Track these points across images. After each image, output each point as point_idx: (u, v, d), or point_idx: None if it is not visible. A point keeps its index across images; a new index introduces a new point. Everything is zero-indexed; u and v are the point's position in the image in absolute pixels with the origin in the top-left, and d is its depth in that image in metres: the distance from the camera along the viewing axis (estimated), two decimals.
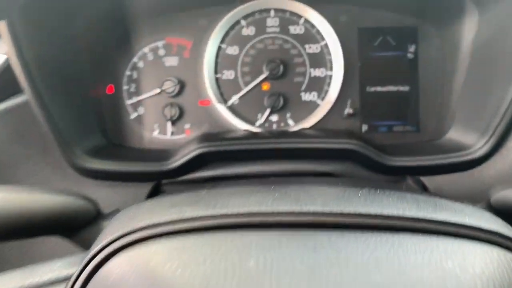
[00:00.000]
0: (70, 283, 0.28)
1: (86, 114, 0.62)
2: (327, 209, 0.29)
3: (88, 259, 0.28)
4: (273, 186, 0.35)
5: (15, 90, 0.54)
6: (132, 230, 0.28)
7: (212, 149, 0.59)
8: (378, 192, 0.34)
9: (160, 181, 0.61)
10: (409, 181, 0.61)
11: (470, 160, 0.57)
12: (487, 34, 0.59)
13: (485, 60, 0.59)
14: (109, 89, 0.69)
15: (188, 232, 0.28)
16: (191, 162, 0.59)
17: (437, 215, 0.29)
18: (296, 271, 0.24)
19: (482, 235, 0.28)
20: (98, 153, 0.60)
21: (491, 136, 0.56)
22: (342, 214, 0.28)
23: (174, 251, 0.27)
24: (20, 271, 0.33)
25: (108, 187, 0.59)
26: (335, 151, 0.60)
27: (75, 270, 0.29)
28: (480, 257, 0.27)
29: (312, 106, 0.70)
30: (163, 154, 0.63)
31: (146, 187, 0.61)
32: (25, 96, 0.53)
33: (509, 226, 0.32)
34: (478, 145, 0.57)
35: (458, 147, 0.59)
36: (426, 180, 0.60)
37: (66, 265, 0.31)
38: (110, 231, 0.29)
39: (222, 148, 0.59)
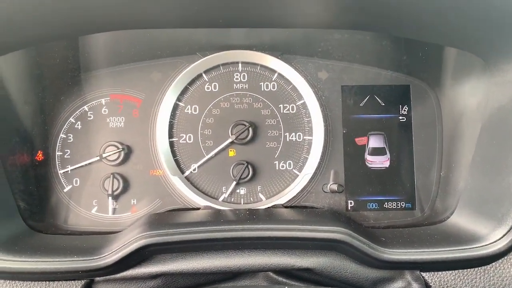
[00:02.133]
0: None
1: (11, 188, 0.49)
2: None
3: None
4: None
5: None
6: None
7: (159, 239, 0.46)
8: None
9: (93, 280, 0.47)
10: (408, 277, 0.49)
11: (486, 255, 0.45)
12: (498, 99, 0.49)
13: (498, 130, 0.49)
14: (38, 155, 0.56)
15: None
16: (131, 256, 0.46)
17: None
18: None
19: None
20: (10, 245, 0.46)
21: (511, 227, 0.45)
22: None
23: None
24: None
25: None
26: (316, 240, 0.48)
27: None
28: None
29: (287, 178, 0.60)
30: (98, 242, 0.49)
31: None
32: None
33: None
34: (495, 237, 0.46)
35: (468, 237, 0.48)
36: (429, 276, 0.48)
37: None
38: None
39: (172, 238, 0.46)
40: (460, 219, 0.53)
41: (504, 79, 0.49)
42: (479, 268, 0.48)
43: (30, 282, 0.47)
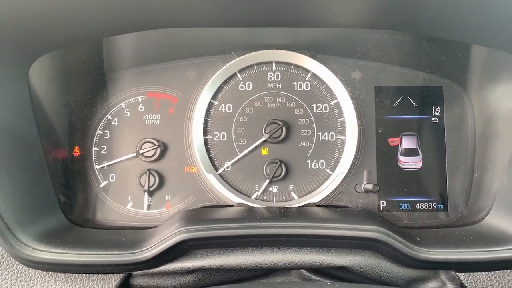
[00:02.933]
0: None
1: (41, 186, 0.50)
2: None
3: None
4: None
5: None
6: None
7: (197, 234, 0.47)
8: None
9: (131, 273, 0.48)
10: (443, 277, 0.49)
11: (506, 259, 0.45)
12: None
13: None
14: (75, 151, 0.58)
15: None
16: (169, 250, 0.47)
17: None
18: None
19: None
20: (52, 237, 0.48)
21: None
22: None
23: None
24: None
25: (63, 280, 0.46)
26: (352, 239, 0.48)
27: None
28: None
29: (320, 177, 0.60)
30: (135, 236, 0.50)
31: (113, 281, 0.47)
32: None
33: None
34: None
35: (505, 238, 0.49)
36: (464, 277, 0.48)
37: None
38: None
39: (209, 234, 0.47)
40: (495, 220, 0.53)
41: None
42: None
43: (70, 274, 0.48)
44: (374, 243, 0.49)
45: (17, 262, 0.46)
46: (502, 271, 0.50)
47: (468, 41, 0.53)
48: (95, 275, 0.49)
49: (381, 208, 0.59)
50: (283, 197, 0.60)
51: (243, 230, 0.51)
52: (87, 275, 0.48)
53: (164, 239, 0.49)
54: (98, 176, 0.59)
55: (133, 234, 0.53)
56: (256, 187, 0.60)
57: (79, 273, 0.47)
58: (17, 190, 0.47)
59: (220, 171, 0.60)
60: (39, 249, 0.48)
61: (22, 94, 0.50)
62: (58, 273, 0.48)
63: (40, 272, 0.47)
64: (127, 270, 0.49)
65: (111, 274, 0.49)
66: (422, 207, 0.60)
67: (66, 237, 0.51)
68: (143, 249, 0.49)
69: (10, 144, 0.47)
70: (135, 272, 0.49)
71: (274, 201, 0.60)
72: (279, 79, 0.62)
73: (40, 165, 0.52)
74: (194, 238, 0.49)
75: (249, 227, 0.52)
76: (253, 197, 0.60)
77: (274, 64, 0.61)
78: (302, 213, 0.57)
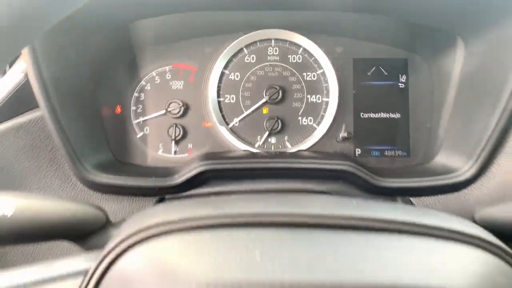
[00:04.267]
0: (87, 277, 0.31)
1: (95, 131, 0.66)
2: (324, 212, 0.31)
3: (104, 254, 0.31)
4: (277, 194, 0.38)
5: (29, 106, 0.58)
6: (146, 227, 0.31)
7: (214, 166, 0.62)
8: (371, 201, 0.38)
9: (164, 196, 0.64)
10: (399, 201, 0.64)
11: (457, 182, 0.60)
12: (472, 66, 0.63)
13: (471, 90, 0.64)
14: (117, 109, 0.73)
15: (199, 228, 0.30)
16: (193, 179, 0.62)
17: (423, 220, 0.32)
18: (295, 261, 0.27)
19: (465, 238, 0.31)
20: (105, 168, 0.63)
21: (476, 161, 0.60)
22: (337, 217, 0.31)
23: (187, 244, 0.29)
24: (36, 266, 0.35)
25: (114, 201, 0.62)
26: (329, 171, 0.63)
27: (90, 266, 0.31)
28: (462, 256, 0.30)
29: (308, 130, 0.74)
30: (166, 171, 0.66)
31: (151, 202, 0.63)
32: (40, 112, 0.57)
33: (490, 234, 0.34)
34: (464, 169, 0.61)
35: (446, 170, 0.63)
36: (415, 200, 0.63)
37: (82, 261, 0.34)
38: (124, 229, 0.32)
39: (223, 166, 0.63)
40: (442, 159, 0.68)
41: (474, 50, 0.63)
42: (453, 193, 0.63)
43: (119, 196, 0.64)
44: (344, 174, 0.64)
45: (81, 185, 0.62)
46: (443, 195, 0.65)
47: (418, 21, 0.67)
48: (137, 198, 0.65)
49: (357, 155, 0.74)
50: (279, 146, 0.75)
51: (248, 164, 0.66)
52: (131, 197, 0.64)
53: (189, 170, 0.65)
54: (135, 129, 0.74)
55: (165, 169, 0.69)
56: (258, 138, 0.74)
57: (125, 194, 0.63)
58: (83, 132, 0.63)
59: (230, 125, 0.74)
60: (98, 174, 0.64)
61: (89, 64, 0.66)
62: (110, 195, 0.63)
63: (96, 194, 0.63)
64: (161, 194, 0.65)
65: (149, 197, 0.65)
66: (389, 154, 0.74)
67: (115, 169, 0.67)
68: (175, 177, 0.64)
69: (81, 98, 0.64)
70: (167, 196, 0.65)
71: (272, 148, 0.74)
72: (277, 53, 0.75)
73: (97, 117, 0.68)
74: (211, 169, 0.64)
75: (252, 162, 0.67)
76: (256, 145, 0.74)
77: (273, 41, 0.75)
78: (293, 155, 0.71)
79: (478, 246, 0.31)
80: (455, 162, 0.63)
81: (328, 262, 0.27)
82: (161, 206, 0.38)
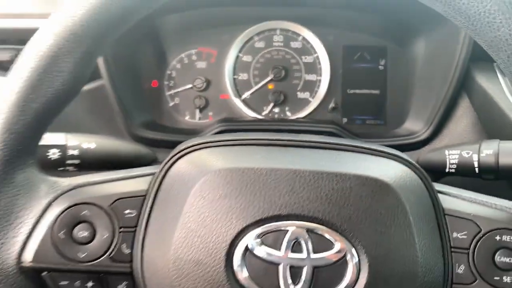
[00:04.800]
0: (155, 176, 0.43)
1: (140, 99, 0.86)
2: (306, 139, 0.47)
3: (165, 162, 0.49)
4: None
5: (94, 77, 0.77)
6: (191, 144, 0.50)
7: (230, 127, 0.81)
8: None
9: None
10: None
11: (414, 142, 0.78)
12: (432, 50, 0.81)
13: (431, 70, 0.82)
14: (154, 83, 0.93)
15: (227, 145, 0.44)
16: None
17: (364, 145, 0.50)
18: (285, 160, 0.44)
19: (389, 155, 0.45)
20: (148, 127, 0.82)
21: (430, 125, 0.78)
22: (314, 141, 0.47)
23: (217, 151, 0.47)
24: (107, 172, 0.47)
25: (154, 152, 0.81)
26: (319, 132, 0.82)
27: (155, 170, 0.50)
28: (385, 163, 0.44)
29: (305, 102, 0.91)
30: (193, 131, 0.86)
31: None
32: (101, 82, 0.77)
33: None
34: (421, 132, 0.79)
35: (408, 133, 0.81)
36: None
37: (152, 168, 0.51)
38: (176, 148, 0.51)
39: (237, 127, 0.82)
40: (408, 125, 0.85)
41: (432, 39, 0.81)
42: (413, 151, 0.81)
43: (155, 148, 0.83)
44: (331, 135, 0.82)
45: (129, 138, 0.81)
46: (407, 152, 0.82)
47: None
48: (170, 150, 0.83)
49: (343, 122, 0.91)
50: (281, 114, 0.90)
51: (256, 126, 0.84)
52: (166, 149, 0.83)
53: (211, 130, 0.84)
54: (168, 99, 0.92)
55: (192, 130, 0.88)
56: (264, 108, 0.91)
57: (162, 147, 0.82)
58: (132, 99, 0.81)
59: (243, 97, 0.90)
60: (142, 131, 0.80)
61: (134, 48, 0.86)
62: (150, 147, 0.82)
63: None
64: None
65: None
66: (369, 122, 0.91)
67: (155, 128, 0.84)
68: (200, 135, 0.83)
69: (131, 73, 0.82)
70: None
71: (276, 116, 0.91)
72: (281, 40, 0.91)
73: (141, 88, 0.87)
74: (227, 129, 0.83)
75: (259, 124, 0.86)
76: (263, 114, 0.90)
77: (278, 30, 0.91)
78: (292, 120, 0.89)
79: (396, 159, 0.49)
80: (416, 127, 0.81)
81: (307, 161, 0.46)
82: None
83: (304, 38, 0.92)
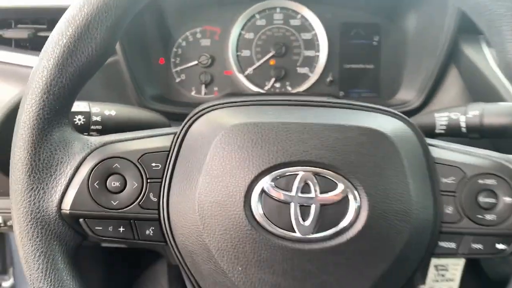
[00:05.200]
0: (177, 135, 0.48)
1: (150, 75, 0.91)
2: (312, 99, 0.54)
3: (185, 122, 0.54)
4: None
5: None
6: (213, 104, 0.51)
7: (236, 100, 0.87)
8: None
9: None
10: None
11: (408, 110, 0.84)
12: (422, 25, 0.87)
13: (422, 43, 0.88)
14: (161, 60, 0.98)
15: (239, 106, 0.50)
16: None
17: (366, 104, 0.56)
18: (292, 115, 0.50)
19: (385, 112, 0.51)
20: (157, 100, 0.88)
21: (421, 95, 0.84)
22: (319, 100, 0.53)
23: (230, 111, 0.53)
24: (132, 132, 0.51)
25: None
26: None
27: (176, 130, 0.55)
28: (384, 118, 0.49)
29: (304, 77, 0.96)
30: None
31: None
32: (116, 57, 0.82)
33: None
34: (413, 101, 0.85)
35: (401, 103, 0.87)
36: None
37: (173, 128, 0.51)
38: (197, 108, 0.56)
39: (242, 99, 0.87)
40: (400, 96, 0.91)
41: (422, 14, 0.87)
42: None
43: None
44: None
45: None
46: None
47: None
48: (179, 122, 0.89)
49: (340, 95, 0.98)
50: (282, 89, 0.95)
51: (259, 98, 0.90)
52: (175, 121, 0.89)
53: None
54: (174, 75, 0.97)
55: (198, 104, 0.93)
56: (266, 83, 0.95)
57: (171, 119, 0.88)
58: (143, 74, 0.86)
59: (245, 73, 0.95)
60: (153, 103, 0.84)
61: (143, 27, 0.91)
62: None
63: None
64: None
65: None
66: (364, 95, 0.97)
67: (164, 101, 0.89)
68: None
69: (141, 50, 0.86)
70: None
71: (277, 90, 0.97)
72: (281, 18, 0.95)
73: (150, 65, 0.93)
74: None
75: (262, 98, 0.92)
76: (265, 88, 0.95)
77: (278, 9, 0.95)
78: (292, 94, 0.94)
79: (393, 116, 0.54)
80: (408, 96, 0.88)
81: (313, 116, 0.52)
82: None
83: (303, 16, 0.97)
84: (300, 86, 0.97)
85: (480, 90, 0.77)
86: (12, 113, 0.72)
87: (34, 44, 0.84)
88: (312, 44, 0.97)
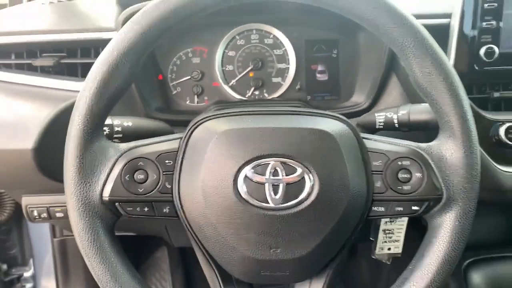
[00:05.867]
0: (183, 139, 0.62)
1: (153, 90, 1.10)
2: (283, 109, 0.66)
3: (189, 128, 0.60)
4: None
5: None
6: (208, 115, 0.62)
7: (223, 106, 1.07)
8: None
9: None
10: None
11: (359, 110, 1.01)
12: (369, 40, 1.01)
13: (369, 55, 1.01)
14: (160, 77, 1.16)
15: (228, 116, 0.63)
16: None
17: (316, 110, 0.69)
18: (267, 121, 0.65)
19: (331, 116, 0.63)
20: (160, 111, 1.07)
21: (368, 98, 1.05)
22: (287, 111, 0.65)
23: (222, 121, 0.66)
24: (149, 139, 0.65)
25: None
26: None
27: (182, 135, 0.73)
28: (329, 121, 0.63)
29: (278, 85, 1.11)
30: (195, 112, 1.11)
31: None
32: None
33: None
34: (362, 103, 1.04)
35: (355, 104, 1.07)
36: None
37: (178, 134, 0.65)
38: (196, 118, 0.71)
39: (229, 112, 1.07)
40: (354, 99, 1.10)
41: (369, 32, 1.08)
42: (358, 117, 1.01)
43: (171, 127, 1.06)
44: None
45: None
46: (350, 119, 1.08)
47: None
48: (181, 128, 1.06)
49: (307, 99, 1.16)
50: (261, 96, 1.09)
51: (242, 105, 1.10)
52: (176, 127, 1.07)
53: (208, 110, 1.08)
54: (171, 88, 1.11)
55: (194, 112, 1.12)
56: (247, 91, 1.10)
57: (175, 126, 1.04)
58: (147, 89, 1.05)
59: (230, 84, 1.09)
60: (157, 114, 0.94)
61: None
62: None
63: None
64: None
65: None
66: (327, 98, 1.16)
67: (165, 111, 1.08)
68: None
69: (145, 68, 1.06)
70: None
71: (256, 97, 1.12)
72: (257, 38, 1.09)
73: (152, 81, 1.12)
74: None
75: (244, 104, 1.12)
76: (246, 96, 1.09)
77: (254, 30, 1.09)
78: (268, 100, 1.10)
79: (335, 119, 0.68)
80: (360, 99, 1.05)
81: (280, 122, 0.64)
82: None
83: (274, 36, 1.05)
84: (275, 93, 1.17)
85: (413, 93, 0.99)
86: (48, 129, 0.89)
87: (56, 70, 1.02)
88: (283, 58, 1.07)
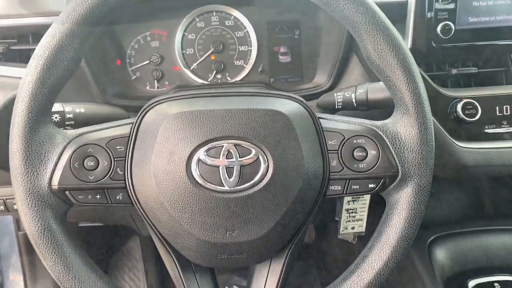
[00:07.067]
0: (134, 123, 0.62)
1: (110, 75, 1.07)
2: (236, 90, 0.67)
3: (139, 113, 0.69)
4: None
5: None
6: (159, 99, 0.64)
7: (181, 90, 1.05)
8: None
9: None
10: None
11: (321, 91, 1.05)
12: (329, 21, 1.02)
13: (330, 36, 1.05)
14: (118, 62, 1.14)
15: (181, 99, 0.63)
16: None
17: (271, 91, 0.74)
18: (219, 103, 0.67)
19: (288, 97, 0.65)
20: (118, 96, 1.05)
21: (330, 78, 1.05)
22: (240, 92, 0.67)
23: (173, 103, 0.68)
24: (99, 124, 0.64)
25: None
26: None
27: (133, 120, 0.73)
28: (287, 102, 0.65)
29: (240, 68, 1.12)
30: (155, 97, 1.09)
31: None
32: (81, 64, 0.98)
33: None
34: (324, 84, 1.06)
35: (316, 85, 1.08)
36: None
37: (131, 119, 0.69)
38: (148, 102, 0.73)
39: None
40: (316, 79, 1.11)
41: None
42: (315, 100, 1.03)
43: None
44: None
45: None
46: (312, 101, 1.08)
47: None
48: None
49: (271, 82, 1.15)
50: (223, 79, 1.10)
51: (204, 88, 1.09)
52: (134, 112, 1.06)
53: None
54: (130, 74, 1.10)
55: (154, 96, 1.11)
56: (209, 75, 1.09)
57: (131, 111, 1.04)
58: (104, 75, 1.03)
59: (191, 68, 1.08)
60: (114, 99, 0.96)
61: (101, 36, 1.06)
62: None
63: None
64: None
65: None
66: (290, 80, 1.16)
67: (124, 97, 1.07)
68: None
69: (101, 54, 1.04)
70: None
71: (218, 81, 1.14)
72: (217, 20, 1.09)
73: (108, 66, 1.09)
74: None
75: (206, 87, 1.10)
76: (208, 80, 1.09)
77: (214, 12, 1.09)
78: (231, 83, 1.10)
79: (291, 99, 0.70)
80: (322, 80, 1.08)
81: (232, 104, 0.66)
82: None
83: (235, 17, 1.12)
84: (237, 76, 1.16)
85: (372, 72, 0.99)
86: None
87: (8, 56, 0.99)
88: (244, 40, 1.15)
